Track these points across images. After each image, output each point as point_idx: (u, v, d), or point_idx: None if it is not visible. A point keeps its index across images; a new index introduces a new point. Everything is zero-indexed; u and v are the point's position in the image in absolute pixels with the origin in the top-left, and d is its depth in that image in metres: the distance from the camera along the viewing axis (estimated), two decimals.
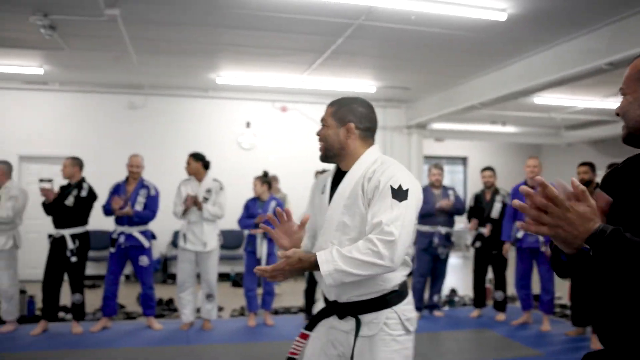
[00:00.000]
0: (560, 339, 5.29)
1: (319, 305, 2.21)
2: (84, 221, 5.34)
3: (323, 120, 2.10)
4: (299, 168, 8.89)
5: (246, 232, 5.79)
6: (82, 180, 5.37)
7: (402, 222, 1.81)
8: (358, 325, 1.96)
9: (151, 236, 5.77)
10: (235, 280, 8.22)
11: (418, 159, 10.02)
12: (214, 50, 6.87)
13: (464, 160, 13.27)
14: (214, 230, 5.57)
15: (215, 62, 7.47)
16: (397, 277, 1.98)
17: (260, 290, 5.86)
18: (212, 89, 8.87)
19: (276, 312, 6.31)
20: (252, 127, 9.23)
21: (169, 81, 8.51)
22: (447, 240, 6.12)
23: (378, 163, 1.99)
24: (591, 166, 5.44)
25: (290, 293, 7.49)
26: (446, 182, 7.04)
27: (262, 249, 5.60)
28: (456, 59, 7.01)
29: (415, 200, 1.90)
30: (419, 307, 6.12)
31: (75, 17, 5.43)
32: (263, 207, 5.68)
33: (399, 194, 1.85)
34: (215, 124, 9.07)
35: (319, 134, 2.10)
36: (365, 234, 1.85)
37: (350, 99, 2.12)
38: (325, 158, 2.10)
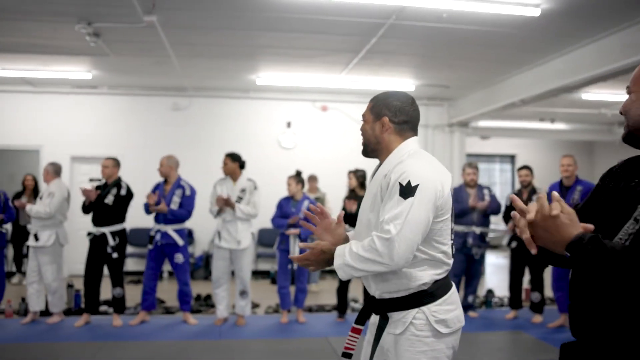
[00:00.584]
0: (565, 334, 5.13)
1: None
2: (122, 219, 5.59)
3: (363, 115, 2.14)
4: (339, 167, 8.96)
5: (279, 230, 5.89)
6: (119, 179, 5.62)
7: (403, 220, 1.80)
8: (383, 321, 1.99)
9: (187, 235, 5.96)
10: (274, 278, 8.37)
11: (460, 157, 9.89)
12: (252, 53, 7.02)
13: (512, 158, 12.98)
14: (248, 229, 5.71)
15: (253, 64, 7.62)
16: (425, 275, 1.94)
17: (293, 288, 5.95)
18: (252, 90, 9.05)
19: (310, 310, 6.40)
20: (293, 127, 9.36)
21: (211, 83, 8.74)
22: (482, 241, 6.04)
23: (405, 157, 1.97)
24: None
25: (327, 291, 7.57)
26: (494, 179, 6.95)
27: (295, 247, 5.69)
28: (493, 56, 6.89)
29: (427, 195, 1.85)
30: None
31: (117, 24, 5.68)
32: (296, 207, 5.77)
33: (406, 191, 1.83)
34: (256, 124, 9.25)
35: (360, 129, 2.14)
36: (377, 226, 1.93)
37: (389, 93, 2.13)
38: (365, 153, 2.14)
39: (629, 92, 1.48)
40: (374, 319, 2.07)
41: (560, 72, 6.66)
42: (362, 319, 2.10)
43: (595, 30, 5.79)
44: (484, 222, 6.07)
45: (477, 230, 5.97)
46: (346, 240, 2.11)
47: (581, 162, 6.22)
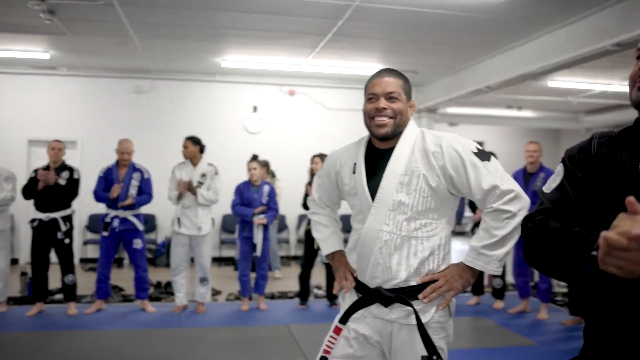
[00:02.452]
0: (556, 327, 5.18)
1: (347, 300, 2.02)
2: (70, 203, 5.39)
3: (393, 93, 1.88)
4: (306, 152, 8.84)
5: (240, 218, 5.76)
6: (64, 163, 5.40)
7: (505, 175, 1.82)
8: (416, 313, 1.84)
9: (148, 221, 5.81)
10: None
11: None
12: (217, 34, 6.84)
13: (479, 145, 13.04)
14: (208, 214, 5.59)
15: (218, 46, 7.43)
16: (447, 259, 1.92)
17: (254, 275, 5.86)
18: (218, 73, 8.85)
19: (272, 297, 6.31)
20: (259, 111, 9.20)
21: (174, 65, 8.52)
22: None
23: (427, 135, 1.91)
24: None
25: (290, 278, 7.50)
26: None
27: (259, 234, 5.59)
28: (461, 41, 6.85)
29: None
30: None
31: (72, 1, 5.44)
32: (258, 192, 5.66)
33: (482, 156, 1.83)
34: (222, 108, 9.07)
35: (393, 108, 1.88)
36: (480, 204, 1.85)
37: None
38: (392, 136, 1.90)
39: None
40: (371, 312, 1.91)
41: (528, 58, 6.65)
42: (347, 318, 1.96)
43: (562, 16, 5.77)
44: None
45: None
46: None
47: (547, 150, 6.22)
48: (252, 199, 5.61)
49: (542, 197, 1.36)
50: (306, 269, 5.83)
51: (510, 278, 6.24)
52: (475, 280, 1.93)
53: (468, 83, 8.10)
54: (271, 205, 5.67)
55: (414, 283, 1.85)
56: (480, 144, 11.07)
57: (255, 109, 9.17)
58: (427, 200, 1.84)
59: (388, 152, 1.91)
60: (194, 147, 5.53)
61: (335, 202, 2.22)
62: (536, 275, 5.91)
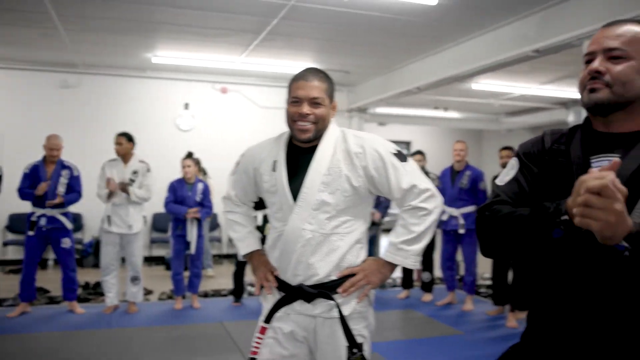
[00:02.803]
0: (481, 317, 5.46)
1: (269, 299, 2.01)
2: None
3: (317, 98, 1.89)
4: (239, 151, 8.82)
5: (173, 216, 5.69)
6: None
7: (422, 175, 1.95)
8: (338, 306, 1.88)
9: (74, 219, 5.63)
10: (168, 264, 8.11)
11: None
12: (148, 29, 6.69)
13: (407, 144, 13.43)
14: (140, 212, 5.49)
15: (149, 41, 7.27)
16: (364, 252, 1.99)
17: (187, 274, 5.80)
18: (149, 69, 8.65)
19: (205, 295, 6.27)
20: (191, 109, 9.08)
21: (103, 60, 8.26)
22: (373, 224, 6.18)
23: (348, 136, 1.95)
24: (513, 150, 5.58)
25: (223, 275, 7.47)
26: None
27: (193, 232, 5.54)
28: (393, 43, 7.05)
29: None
30: None
31: None
32: (192, 190, 5.61)
33: (400, 156, 1.93)
34: (152, 104, 8.87)
35: (316, 113, 1.89)
36: (399, 202, 1.94)
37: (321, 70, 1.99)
38: (314, 140, 1.92)
39: (621, 57, 1.27)
40: (294, 309, 1.93)
41: (455, 61, 6.93)
42: (271, 316, 1.97)
43: (488, 21, 6.07)
44: (376, 205, 6.21)
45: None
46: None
47: (470, 150, 6.51)
48: (186, 197, 5.56)
49: (497, 190, 1.44)
50: (240, 266, 5.84)
51: (438, 272, 6.50)
52: (392, 274, 2.01)
53: (398, 84, 8.34)
54: (205, 203, 5.64)
55: (334, 277, 1.90)
56: (408, 143, 11.42)
57: (186, 106, 9.03)
58: (348, 199, 1.89)
59: (309, 151, 1.93)
60: (128, 143, 5.42)
61: (251, 199, 2.20)
62: (462, 269, 6.18)
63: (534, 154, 1.43)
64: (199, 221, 5.60)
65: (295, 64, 8.25)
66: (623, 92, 1.27)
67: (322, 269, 1.89)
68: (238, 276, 5.87)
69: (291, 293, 1.93)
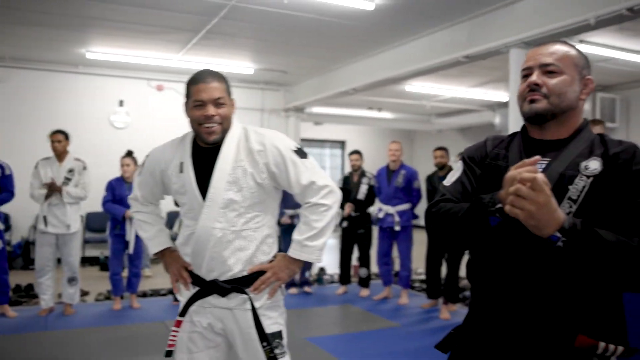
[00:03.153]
0: (416, 310, 5.71)
1: (184, 294, 2.07)
2: None
3: (220, 99, 1.96)
4: None
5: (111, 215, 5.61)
6: None
7: (320, 171, 2.04)
8: (250, 300, 1.96)
9: (4, 219, 5.44)
10: (104, 264, 7.96)
11: (295, 141, 10.20)
12: (83, 24, 6.52)
13: (342, 144, 13.68)
14: (77, 212, 5.37)
15: (83, 37, 7.08)
16: (275, 246, 2.08)
17: (125, 274, 5.74)
18: (82, 65, 8.42)
19: (144, 295, 6.21)
20: (126, 106, 8.91)
21: (34, 54, 7.95)
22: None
23: (250, 133, 2.02)
24: (446, 150, 5.88)
25: (162, 275, 7.41)
26: (325, 164, 7.27)
27: (132, 231, 5.49)
28: (330, 45, 7.21)
29: None
30: (294, 283, 6.36)
31: None
32: (131, 189, 5.54)
33: (300, 153, 1.99)
34: (86, 101, 8.63)
35: (220, 114, 1.96)
36: (299, 197, 2.03)
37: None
38: (220, 140, 1.99)
39: (554, 72, 1.45)
40: (209, 302, 1.99)
41: (391, 63, 7.19)
42: (186, 310, 2.03)
43: (422, 27, 6.35)
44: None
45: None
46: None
47: (403, 149, 6.75)
48: (125, 196, 5.49)
49: (443, 190, 1.59)
50: None
51: (374, 268, 6.73)
52: (300, 270, 2.13)
53: (335, 85, 8.53)
54: None
55: (246, 273, 1.99)
56: (343, 142, 11.66)
57: (121, 103, 8.86)
58: (254, 195, 1.97)
59: (213, 151, 1.99)
60: (66, 141, 5.31)
61: (158, 199, 2.25)
62: (397, 265, 6.43)
63: (477, 157, 1.60)
64: None
65: (233, 63, 8.28)
66: (558, 102, 1.45)
67: (236, 265, 1.97)
68: None
69: (206, 287, 2.01)
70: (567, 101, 1.45)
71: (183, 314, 2.02)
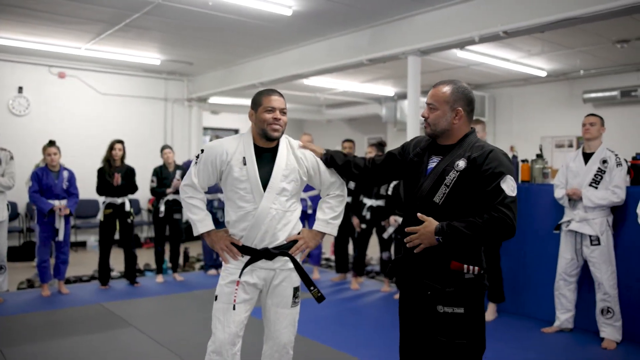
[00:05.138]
0: (327, 284, 6.45)
1: (232, 262, 2.64)
2: None
3: (285, 109, 2.59)
4: (79, 136, 8.77)
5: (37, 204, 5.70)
6: None
7: (335, 172, 2.73)
8: (293, 259, 2.59)
9: None
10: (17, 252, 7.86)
11: (198, 130, 10.56)
12: None
13: (236, 132, 14.07)
14: (4, 200, 5.40)
15: None
16: (300, 225, 2.70)
17: (53, 261, 5.87)
18: None
19: (68, 282, 6.34)
20: (25, 92, 8.69)
21: None
22: None
23: (292, 142, 2.66)
24: (353, 142, 6.64)
25: (80, 263, 7.51)
26: None
27: (61, 221, 5.64)
28: (243, 41, 7.68)
29: None
30: (213, 265, 6.83)
31: None
32: (58, 177, 5.69)
33: (324, 161, 2.69)
34: None
35: (284, 119, 2.58)
36: (324, 191, 2.72)
37: None
38: (275, 140, 2.62)
39: (433, 108, 2.25)
40: (258, 265, 2.56)
41: (297, 62, 7.82)
42: (241, 273, 2.57)
43: (329, 31, 7.04)
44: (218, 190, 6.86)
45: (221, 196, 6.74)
46: None
47: (295, 138, 7.37)
48: (52, 185, 5.62)
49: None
50: (104, 253, 6.07)
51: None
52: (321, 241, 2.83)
53: (241, 78, 9.01)
54: (71, 191, 5.76)
55: (285, 242, 2.64)
56: (237, 131, 12.16)
57: (20, 89, 8.63)
58: (297, 186, 2.63)
59: (269, 151, 2.60)
60: None
61: (208, 185, 2.75)
62: None
63: (405, 148, 2.51)
64: (70, 214, 5.71)
65: (141, 54, 8.43)
66: (435, 128, 2.30)
67: (281, 236, 2.61)
68: (104, 261, 6.08)
69: (256, 254, 2.60)
70: (440, 127, 2.29)
71: (240, 276, 2.58)
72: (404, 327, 2.43)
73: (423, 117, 2.31)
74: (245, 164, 2.58)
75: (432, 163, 2.27)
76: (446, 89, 2.25)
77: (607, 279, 4.19)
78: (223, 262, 2.68)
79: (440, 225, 2.14)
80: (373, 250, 7.42)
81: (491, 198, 2.10)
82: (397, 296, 5.73)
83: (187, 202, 2.70)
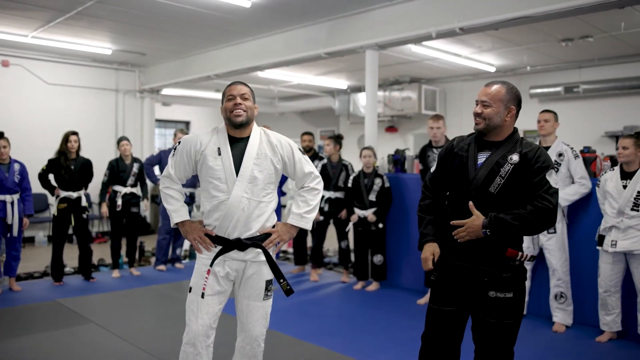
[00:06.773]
0: (287, 276, 6.46)
1: (205, 253, 2.64)
2: None
3: (245, 94, 2.60)
4: (24, 126, 8.47)
5: None
6: None
7: (312, 164, 2.77)
8: (265, 251, 2.59)
9: None
10: None
11: (150, 122, 10.35)
12: None
13: (187, 125, 13.88)
14: None
15: None
16: (275, 218, 2.71)
17: (3, 258, 5.67)
18: None
19: (19, 278, 6.13)
20: None
21: None
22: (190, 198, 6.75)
23: (268, 132, 2.66)
24: (312, 135, 6.68)
25: (28, 260, 7.27)
26: (171, 144, 7.60)
27: (15, 214, 5.45)
28: (199, 33, 7.58)
29: None
30: (165, 260, 6.73)
31: None
32: (9, 170, 5.49)
33: (302, 151, 2.74)
34: None
35: (245, 104, 2.58)
36: (298, 182, 2.74)
37: None
38: (246, 127, 2.61)
39: (487, 105, 2.37)
40: (230, 256, 2.56)
41: (254, 54, 7.79)
42: (213, 263, 2.59)
43: (287, 23, 7.06)
44: (192, 183, 6.78)
45: (188, 191, 6.67)
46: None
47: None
48: (3, 179, 5.42)
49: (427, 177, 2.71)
50: (57, 249, 5.90)
51: None
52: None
53: (195, 70, 8.89)
54: (24, 185, 5.57)
55: (258, 233, 2.65)
56: (188, 123, 12.00)
57: None
58: (271, 175, 2.63)
59: (241, 140, 2.60)
60: None
61: (185, 177, 2.77)
62: None
63: (448, 149, 2.58)
64: (22, 202, 5.53)
65: (93, 44, 8.20)
66: (489, 123, 2.40)
67: (254, 227, 2.61)
68: (57, 258, 5.92)
69: (228, 245, 2.60)
70: (493, 122, 2.40)
71: (211, 265, 2.58)
72: (443, 312, 2.50)
73: (476, 113, 2.42)
74: (220, 154, 2.60)
75: (482, 157, 2.43)
76: (502, 88, 2.39)
77: (561, 265, 4.42)
78: (197, 253, 2.70)
79: (487, 219, 2.31)
80: (330, 242, 7.52)
81: (537, 188, 2.31)
82: (357, 286, 5.86)
83: (164, 193, 2.74)
